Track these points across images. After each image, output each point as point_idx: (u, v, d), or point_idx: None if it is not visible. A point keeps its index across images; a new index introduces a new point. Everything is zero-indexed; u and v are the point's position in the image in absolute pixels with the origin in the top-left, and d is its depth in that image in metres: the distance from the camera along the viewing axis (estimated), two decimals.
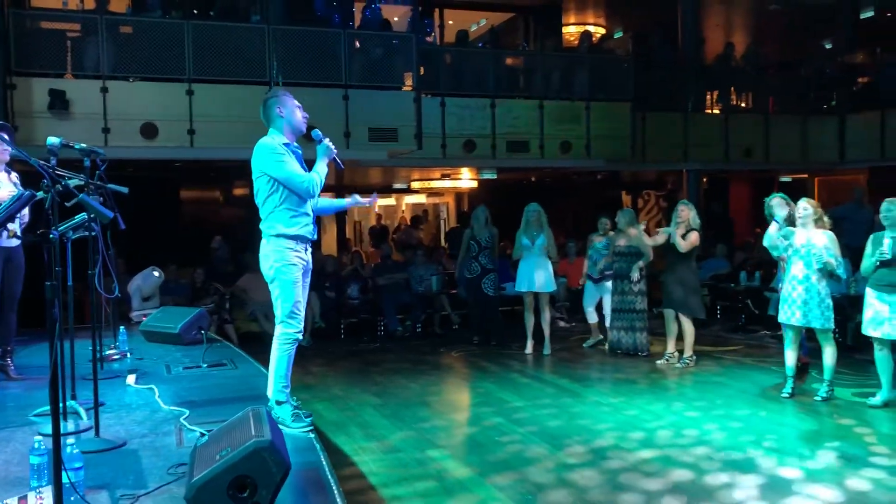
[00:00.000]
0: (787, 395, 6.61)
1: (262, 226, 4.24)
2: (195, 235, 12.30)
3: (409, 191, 19.02)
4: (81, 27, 9.33)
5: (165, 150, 9.43)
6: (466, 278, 9.72)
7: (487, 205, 9.91)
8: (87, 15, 9.43)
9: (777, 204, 7.12)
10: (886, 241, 6.03)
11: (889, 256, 5.93)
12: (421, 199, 21.25)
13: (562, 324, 10.96)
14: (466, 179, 15.63)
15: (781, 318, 6.67)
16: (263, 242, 4.24)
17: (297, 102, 4.34)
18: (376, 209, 22.29)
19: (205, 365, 5.69)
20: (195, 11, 10.81)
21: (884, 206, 6.17)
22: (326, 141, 4.29)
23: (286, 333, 4.25)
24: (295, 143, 4.30)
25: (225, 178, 13.19)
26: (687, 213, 7.96)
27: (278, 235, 4.17)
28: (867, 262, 6.14)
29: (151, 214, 12.34)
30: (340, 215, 18.79)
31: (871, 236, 6.23)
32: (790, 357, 6.71)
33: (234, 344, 8.11)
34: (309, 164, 4.28)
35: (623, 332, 8.70)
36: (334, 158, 4.30)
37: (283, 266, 4.17)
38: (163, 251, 10.72)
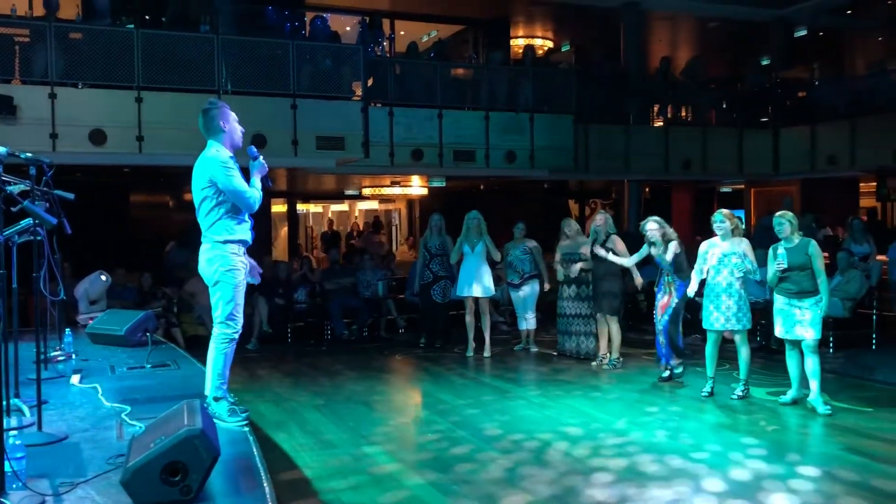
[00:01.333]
0: (707, 394, 7.03)
1: (206, 232, 4.47)
2: (144, 240, 12.39)
3: (361, 197, 19.28)
4: (30, 33, 9.41)
5: (114, 156, 9.56)
6: (420, 284, 10.02)
7: (438, 211, 10.24)
8: (35, 22, 9.51)
9: (650, 230, 7.62)
10: (780, 252, 6.49)
11: (786, 265, 6.40)
12: (373, 205, 21.54)
13: (504, 327, 11.31)
14: (417, 186, 15.95)
15: (706, 324, 7.10)
16: (206, 247, 4.46)
17: (236, 116, 4.59)
18: (329, 215, 22.52)
19: (149, 365, 5.89)
20: (147, 17, 10.96)
21: (774, 220, 6.61)
22: (261, 158, 4.58)
23: (225, 333, 4.49)
24: (231, 154, 4.54)
25: (174, 184, 13.30)
26: (604, 225, 8.56)
27: (225, 241, 4.41)
28: (772, 273, 6.59)
29: (100, 219, 12.40)
30: (293, 222, 19.00)
31: (771, 248, 6.67)
32: (712, 359, 7.13)
33: (181, 347, 8.30)
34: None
35: (574, 336, 9.02)
36: (266, 175, 4.58)
37: (229, 270, 4.42)
38: (111, 255, 10.81)
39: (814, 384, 6.45)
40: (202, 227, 4.49)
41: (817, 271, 6.38)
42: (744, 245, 6.91)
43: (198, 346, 9.39)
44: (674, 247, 7.57)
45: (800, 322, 6.43)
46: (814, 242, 6.48)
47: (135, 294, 10.11)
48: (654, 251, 7.69)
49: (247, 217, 4.53)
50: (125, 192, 13.30)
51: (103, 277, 8.67)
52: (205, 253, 4.47)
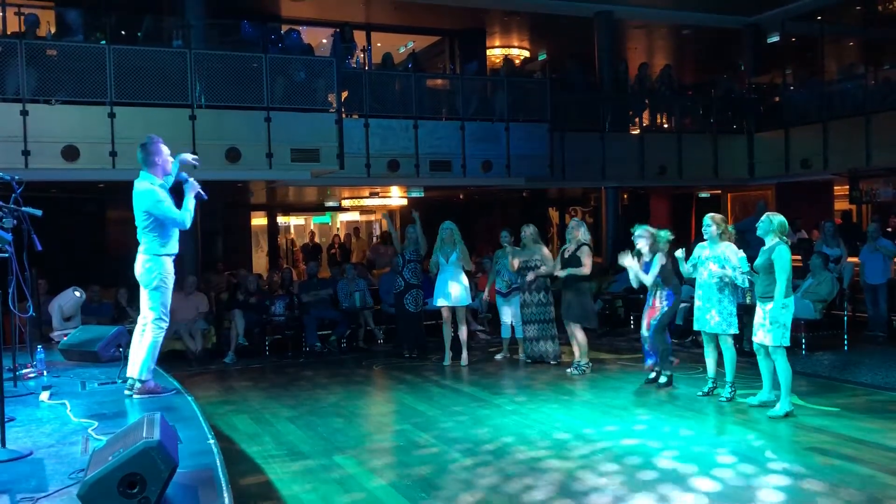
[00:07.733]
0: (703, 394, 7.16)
1: (145, 245, 5.32)
2: (121, 255, 12.34)
3: (341, 209, 19.32)
4: (1, 50, 9.39)
5: (87, 172, 9.55)
6: (392, 293, 10.05)
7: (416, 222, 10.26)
8: (6, 40, 9.49)
9: (639, 238, 7.76)
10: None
11: (752, 268, 6.52)
12: (355, 216, 21.57)
13: (483, 336, 11.36)
14: (396, 197, 16.00)
15: (696, 325, 7.22)
16: (144, 259, 5.33)
17: (168, 151, 5.42)
18: (311, 227, 22.52)
19: (120, 380, 5.88)
20: (122, 32, 10.97)
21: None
22: (191, 180, 5.42)
23: (160, 327, 5.42)
24: (162, 181, 5.38)
25: None
26: (577, 232, 8.63)
27: (160, 255, 5.33)
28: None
29: (76, 235, 12.36)
30: (273, 235, 18.99)
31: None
32: (709, 361, 7.27)
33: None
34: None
35: (534, 342, 9.13)
36: (198, 192, 5.40)
37: (166, 277, 5.37)
38: (89, 271, 10.77)
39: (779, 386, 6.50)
40: (140, 241, 5.33)
41: (777, 275, 6.37)
42: (724, 249, 6.99)
43: (174, 361, 9.40)
44: (660, 259, 7.61)
45: (762, 325, 6.50)
46: (781, 247, 6.42)
47: (110, 310, 10.08)
48: (644, 259, 7.77)
49: (176, 232, 5.38)
50: (102, 207, 13.26)
51: (76, 293, 8.66)
52: (144, 264, 5.32)
